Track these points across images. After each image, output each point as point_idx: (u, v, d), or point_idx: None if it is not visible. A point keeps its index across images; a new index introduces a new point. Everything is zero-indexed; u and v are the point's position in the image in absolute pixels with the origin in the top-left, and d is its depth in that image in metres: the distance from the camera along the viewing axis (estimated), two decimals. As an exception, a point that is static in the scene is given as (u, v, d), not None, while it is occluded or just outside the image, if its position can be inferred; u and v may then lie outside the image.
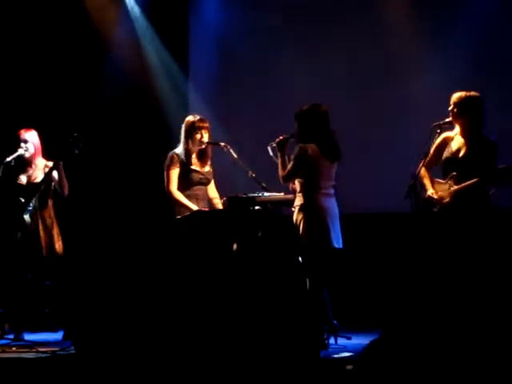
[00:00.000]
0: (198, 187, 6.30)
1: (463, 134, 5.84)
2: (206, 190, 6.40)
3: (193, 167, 6.27)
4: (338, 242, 6.00)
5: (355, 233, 6.83)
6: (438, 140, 5.87)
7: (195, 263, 5.81)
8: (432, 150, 5.89)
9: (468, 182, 5.71)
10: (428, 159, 5.88)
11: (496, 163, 5.73)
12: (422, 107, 7.21)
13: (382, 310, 6.71)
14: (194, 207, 6.14)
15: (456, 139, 5.88)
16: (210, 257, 5.82)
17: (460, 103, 5.78)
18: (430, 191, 5.85)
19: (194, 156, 6.33)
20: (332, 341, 5.99)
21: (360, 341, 6.10)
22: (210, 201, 6.41)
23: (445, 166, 5.88)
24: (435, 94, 6.98)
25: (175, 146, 6.47)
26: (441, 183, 5.89)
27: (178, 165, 6.23)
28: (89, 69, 8.12)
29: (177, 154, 6.26)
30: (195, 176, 6.24)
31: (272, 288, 5.70)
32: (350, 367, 4.67)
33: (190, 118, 6.37)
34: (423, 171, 5.89)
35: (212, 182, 6.41)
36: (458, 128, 5.87)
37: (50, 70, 8.16)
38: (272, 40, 7.91)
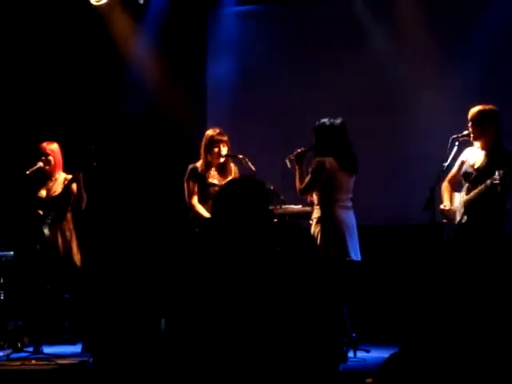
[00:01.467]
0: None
1: (483, 147, 5.83)
2: None
3: (210, 180, 6.30)
4: (355, 255, 5.99)
5: (374, 245, 6.82)
6: (462, 155, 5.89)
7: (214, 276, 5.68)
8: (456, 166, 5.92)
9: (476, 190, 5.69)
10: (451, 174, 5.91)
11: None
12: (440, 119, 7.20)
13: (401, 323, 6.68)
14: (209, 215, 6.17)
15: (476, 153, 5.88)
16: (228, 270, 5.63)
17: (477, 118, 5.76)
18: (443, 204, 5.84)
19: (213, 169, 6.37)
20: (351, 354, 5.98)
21: (379, 354, 6.10)
22: None
23: (464, 181, 5.89)
24: (453, 105, 7.01)
25: (195, 160, 6.52)
26: (456, 196, 5.90)
27: (196, 178, 6.29)
28: (109, 82, 8.16)
29: (195, 167, 6.31)
30: (212, 190, 6.26)
31: (291, 301, 5.61)
32: (369, 381, 4.69)
33: (209, 132, 6.43)
34: (446, 184, 5.92)
35: None
36: (477, 144, 5.87)
37: (72, 83, 8.22)
38: (288, 60, 8.03)
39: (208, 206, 6.23)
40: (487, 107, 5.82)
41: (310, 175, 5.98)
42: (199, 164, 6.37)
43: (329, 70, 7.85)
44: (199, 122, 7.91)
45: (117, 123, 8.01)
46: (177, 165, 6.89)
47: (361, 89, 7.66)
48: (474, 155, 5.88)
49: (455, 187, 5.93)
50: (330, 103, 7.44)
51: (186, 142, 7.65)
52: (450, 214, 5.84)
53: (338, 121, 6.07)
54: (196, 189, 6.28)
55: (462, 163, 5.86)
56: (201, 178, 6.30)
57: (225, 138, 6.37)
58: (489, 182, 5.60)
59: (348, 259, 5.92)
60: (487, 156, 5.81)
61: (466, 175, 5.82)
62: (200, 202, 6.29)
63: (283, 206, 6.10)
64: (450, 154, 5.85)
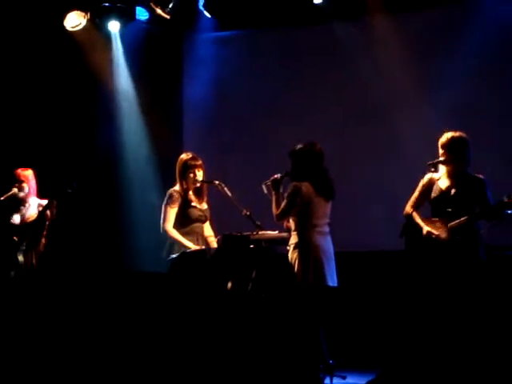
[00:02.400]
0: (196, 224, 6.23)
1: (451, 173, 5.86)
2: (203, 228, 6.32)
3: (193, 204, 6.20)
4: (332, 281, 5.91)
5: (350, 271, 6.77)
6: (424, 181, 5.88)
7: (187, 304, 5.79)
8: (418, 191, 5.91)
9: (462, 219, 5.71)
10: (414, 200, 5.90)
11: (488, 199, 5.76)
12: (415, 145, 7.24)
13: (377, 350, 6.65)
14: (191, 245, 6.07)
15: (442, 179, 5.90)
16: (203, 296, 5.80)
17: (447, 144, 5.82)
18: (427, 228, 5.80)
19: (190, 193, 6.28)
20: (327, 380, 5.90)
21: (356, 380, 6.05)
22: (205, 239, 6.34)
23: (435, 206, 5.87)
24: (426, 131, 6.99)
25: (170, 184, 6.42)
26: (434, 221, 5.86)
27: (178, 203, 6.15)
28: (85, 108, 8.09)
29: (176, 191, 6.18)
30: (195, 212, 6.16)
31: (267, 327, 5.77)
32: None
33: (182, 157, 6.32)
34: (411, 210, 5.91)
35: (208, 221, 6.35)
36: (443, 168, 5.89)
37: (47, 110, 8.16)
38: (266, 79, 7.96)
39: (190, 230, 6.14)
40: (455, 134, 5.87)
41: (285, 200, 5.90)
42: (178, 188, 6.26)
43: (308, 94, 7.84)
44: (175, 146, 7.86)
45: (93, 150, 7.96)
46: (154, 188, 6.99)
47: (343, 111, 7.70)
48: (442, 181, 5.90)
49: (417, 211, 5.96)
50: (309, 128, 7.43)
51: (163, 166, 7.62)
52: (437, 237, 5.85)
53: (315, 146, 6.02)
54: (174, 214, 6.15)
55: (426, 189, 5.87)
56: (183, 201, 6.19)
57: (199, 163, 6.29)
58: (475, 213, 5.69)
59: (325, 285, 5.85)
60: (457, 181, 5.86)
61: (440, 200, 5.83)
62: (181, 225, 6.16)
63: (260, 232, 6.01)
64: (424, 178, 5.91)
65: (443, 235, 5.74)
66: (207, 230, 6.40)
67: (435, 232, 5.77)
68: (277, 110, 7.90)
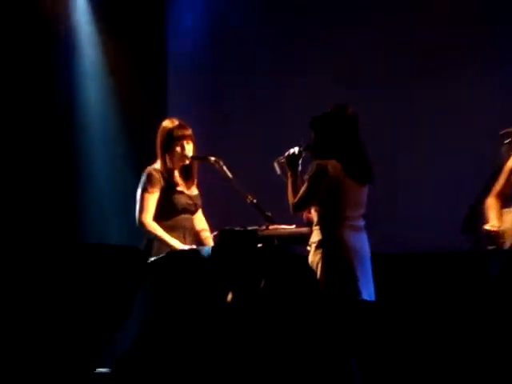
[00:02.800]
0: (184, 216, 5.47)
1: None
2: (193, 220, 5.55)
3: (178, 188, 5.45)
4: (368, 293, 5.16)
5: (393, 279, 6.03)
6: (510, 162, 5.34)
7: (173, 324, 5.08)
8: (504, 175, 5.37)
9: None
10: (499, 186, 5.39)
11: None
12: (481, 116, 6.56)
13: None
14: (177, 243, 5.33)
15: None
16: (194, 313, 5.11)
17: None
18: (490, 224, 5.27)
19: (176, 174, 5.47)
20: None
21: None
22: (196, 234, 5.58)
23: None
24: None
25: (149, 161, 5.57)
26: (507, 214, 5.36)
27: (159, 186, 5.39)
28: (33, 57, 7.09)
29: (157, 171, 5.41)
30: (182, 200, 5.44)
31: (280, 354, 5.22)
32: None
33: (166, 124, 5.46)
34: (492, 200, 5.37)
35: (199, 210, 5.58)
36: None
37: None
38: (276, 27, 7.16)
39: (175, 223, 5.42)
40: None
41: (306, 184, 5.12)
42: (159, 167, 5.44)
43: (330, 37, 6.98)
44: (156, 110, 7.04)
45: (46, 109, 7.06)
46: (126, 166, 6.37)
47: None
48: None
49: (504, 203, 5.40)
50: (333, 84, 6.68)
51: (140, 137, 6.86)
52: (499, 236, 5.28)
53: (346, 110, 5.19)
54: (154, 202, 5.38)
55: None
56: (166, 184, 5.42)
57: (188, 133, 5.43)
58: None
59: (358, 299, 5.11)
60: None
61: None
62: (163, 217, 5.41)
63: (271, 227, 5.24)
64: (500, 155, 5.25)
65: (504, 235, 5.26)
66: (199, 222, 5.60)
67: (494, 229, 5.25)
68: (292, 58, 7.02)
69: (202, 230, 5.57)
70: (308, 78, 6.89)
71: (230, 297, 5.10)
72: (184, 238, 5.37)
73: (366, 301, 5.09)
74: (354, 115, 5.15)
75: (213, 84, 7.17)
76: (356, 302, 5.06)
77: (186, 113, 6.41)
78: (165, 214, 5.37)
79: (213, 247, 5.35)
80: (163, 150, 5.39)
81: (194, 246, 5.32)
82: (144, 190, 5.33)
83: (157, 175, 5.35)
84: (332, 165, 5.05)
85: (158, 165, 5.40)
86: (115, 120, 7.15)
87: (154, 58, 7.27)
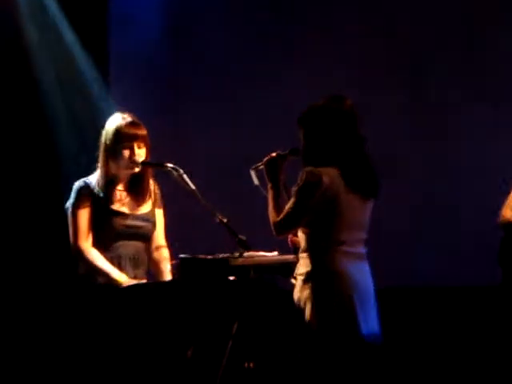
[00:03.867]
0: (122, 243, 4.66)
1: None
2: (143, 248, 4.70)
3: (114, 207, 4.65)
4: (373, 336, 4.41)
5: (401, 318, 5.77)
6: None
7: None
8: None
9: None
10: None
11: None
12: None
13: None
14: (122, 277, 4.51)
15: None
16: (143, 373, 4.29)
17: None
18: None
19: (120, 186, 4.66)
20: None
21: None
22: (153, 261, 4.74)
23: None
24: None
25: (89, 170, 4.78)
26: None
27: (89, 203, 4.61)
28: None
29: (87, 186, 4.65)
30: (118, 222, 4.64)
31: None
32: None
33: (115, 120, 4.70)
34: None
35: (160, 231, 4.75)
36: None
37: None
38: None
39: (111, 253, 4.61)
40: None
41: (294, 198, 4.34)
42: (94, 178, 4.66)
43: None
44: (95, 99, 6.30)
45: None
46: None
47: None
48: None
49: None
50: (325, 77, 6.05)
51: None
52: None
53: (344, 102, 4.41)
54: (86, 222, 4.61)
55: None
56: (97, 202, 4.64)
57: (142, 132, 4.66)
58: None
59: (358, 340, 4.36)
60: None
61: None
62: (98, 244, 4.61)
63: (245, 254, 4.55)
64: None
65: None
66: (156, 248, 4.78)
67: None
68: (272, 43, 6.42)
69: (158, 247, 4.73)
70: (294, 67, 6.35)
71: (190, 352, 4.34)
72: (121, 269, 4.57)
73: (369, 343, 4.32)
74: (353, 109, 4.36)
75: (168, 64, 6.50)
76: (358, 345, 4.29)
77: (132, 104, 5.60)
78: (101, 241, 4.60)
79: (171, 280, 4.59)
80: (107, 153, 4.58)
81: (144, 281, 4.54)
82: (73, 208, 4.56)
83: (85, 191, 4.59)
84: (328, 173, 4.24)
85: (93, 177, 4.63)
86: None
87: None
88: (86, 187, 4.58)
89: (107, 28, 6.67)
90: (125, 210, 4.62)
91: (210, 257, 4.53)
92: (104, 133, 4.61)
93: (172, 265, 4.64)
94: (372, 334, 4.37)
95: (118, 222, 4.59)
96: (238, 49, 6.57)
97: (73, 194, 4.57)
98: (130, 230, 4.61)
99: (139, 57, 6.55)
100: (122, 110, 4.90)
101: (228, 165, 5.82)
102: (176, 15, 6.70)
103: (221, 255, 4.51)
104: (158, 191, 4.76)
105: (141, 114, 5.24)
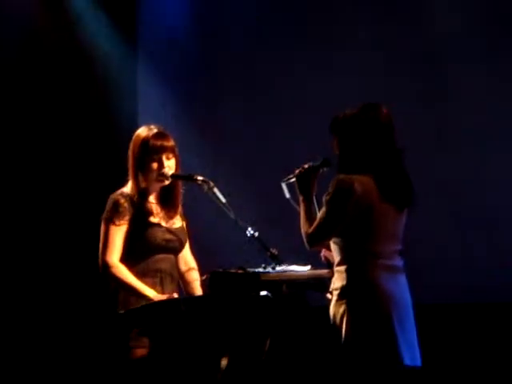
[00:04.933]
0: (160, 256, 4.51)
1: None
2: (175, 261, 4.59)
3: (153, 219, 4.51)
4: (412, 355, 4.21)
5: (444, 336, 5.56)
6: None
7: None
8: None
9: None
10: None
11: None
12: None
13: None
14: (151, 292, 4.38)
15: None
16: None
17: None
18: None
19: (152, 199, 4.52)
20: None
21: None
22: (183, 278, 4.63)
23: None
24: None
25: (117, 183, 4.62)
26: None
27: (127, 217, 4.47)
28: None
29: (126, 198, 4.50)
30: (157, 235, 4.50)
31: None
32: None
33: (141, 132, 4.56)
34: None
35: (187, 247, 4.64)
36: None
37: None
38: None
39: (148, 266, 4.46)
40: None
41: (325, 208, 4.20)
42: (128, 191, 4.52)
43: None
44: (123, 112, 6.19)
45: None
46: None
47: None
48: None
49: None
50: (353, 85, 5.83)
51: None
52: None
53: (379, 111, 4.26)
54: (122, 237, 4.45)
55: None
56: (137, 215, 4.49)
57: (170, 144, 4.52)
58: None
59: (398, 364, 4.14)
60: None
61: None
62: (132, 259, 4.45)
63: (278, 268, 4.42)
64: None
65: None
66: (185, 262, 4.66)
67: None
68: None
69: (189, 270, 4.63)
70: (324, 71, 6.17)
71: (224, 362, 4.16)
72: (162, 285, 4.45)
73: (408, 366, 4.13)
74: (389, 118, 4.21)
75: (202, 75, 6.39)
76: (396, 368, 4.10)
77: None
78: (135, 253, 4.45)
79: (202, 296, 4.47)
80: (136, 166, 4.45)
81: (176, 295, 4.39)
82: (109, 222, 4.41)
83: (125, 203, 4.44)
84: (361, 182, 4.10)
85: (126, 189, 4.50)
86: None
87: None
88: (124, 200, 4.47)
89: (136, 15, 6.59)
90: (162, 222, 4.52)
91: (240, 271, 4.38)
92: (131, 145, 4.52)
93: (202, 279, 4.52)
94: (410, 350, 4.18)
95: (159, 234, 4.49)
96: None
97: (109, 207, 4.46)
98: (168, 244, 4.51)
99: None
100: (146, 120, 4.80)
101: (262, 176, 5.67)
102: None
103: (251, 270, 4.38)
104: (180, 210, 4.67)
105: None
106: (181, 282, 4.60)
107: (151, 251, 4.45)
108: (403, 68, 6.20)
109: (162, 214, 4.50)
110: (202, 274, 4.63)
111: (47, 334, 5.98)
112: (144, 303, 4.21)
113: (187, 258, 4.63)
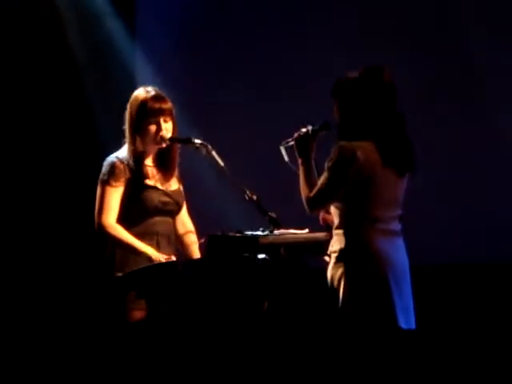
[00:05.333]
0: (158, 219, 4.53)
1: None
2: (172, 224, 4.59)
3: (149, 182, 4.50)
4: (407, 318, 4.25)
5: (439, 298, 5.55)
6: None
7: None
8: None
9: None
10: None
11: None
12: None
13: None
14: (152, 251, 4.38)
15: None
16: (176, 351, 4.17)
17: None
18: None
19: (149, 161, 4.52)
20: None
21: None
22: (180, 241, 4.65)
23: None
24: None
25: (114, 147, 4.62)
26: None
27: (123, 179, 4.46)
28: None
29: (121, 161, 4.48)
30: (154, 197, 4.50)
31: None
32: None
33: (139, 94, 4.53)
34: None
35: (184, 209, 4.64)
36: None
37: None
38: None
39: (145, 228, 4.48)
40: None
41: (326, 173, 4.19)
42: (124, 153, 4.50)
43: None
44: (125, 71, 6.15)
45: None
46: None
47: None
48: None
49: None
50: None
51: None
52: None
53: (382, 73, 4.22)
54: (118, 200, 4.46)
55: None
56: (132, 177, 4.49)
57: (167, 106, 4.51)
58: None
59: (394, 326, 4.18)
60: None
61: None
62: (129, 221, 4.46)
63: (276, 231, 4.41)
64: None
65: None
66: (182, 225, 4.67)
67: None
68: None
69: (186, 233, 4.63)
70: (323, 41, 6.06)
71: (220, 324, 4.13)
72: (158, 246, 4.45)
73: (404, 329, 4.14)
74: (391, 81, 4.15)
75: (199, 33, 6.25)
76: (391, 330, 4.10)
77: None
78: (131, 216, 4.44)
79: (200, 259, 4.47)
80: (133, 128, 4.43)
81: (174, 258, 4.41)
82: (105, 183, 4.40)
83: (121, 166, 4.43)
84: (363, 148, 4.08)
85: (122, 152, 4.48)
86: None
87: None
88: (120, 162, 4.45)
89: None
90: (158, 185, 4.50)
91: (238, 234, 4.37)
92: (128, 108, 4.47)
93: (200, 243, 4.55)
94: (406, 313, 4.20)
95: (155, 197, 4.47)
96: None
97: (105, 170, 4.44)
98: (165, 207, 4.51)
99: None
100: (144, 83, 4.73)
101: (260, 139, 5.62)
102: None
103: (250, 233, 4.37)
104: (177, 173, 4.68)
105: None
106: (179, 244, 4.60)
107: (148, 214, 4.44)
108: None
109: (158, 177, 4.48)
110: (200, 238, 4.63)
111: (45, 298, 5.96)
112: (142, 265, 4.20)
113: (185, 221, 4.61)
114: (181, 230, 4.60)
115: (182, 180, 4.60)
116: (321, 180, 4.13)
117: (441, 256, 5.92)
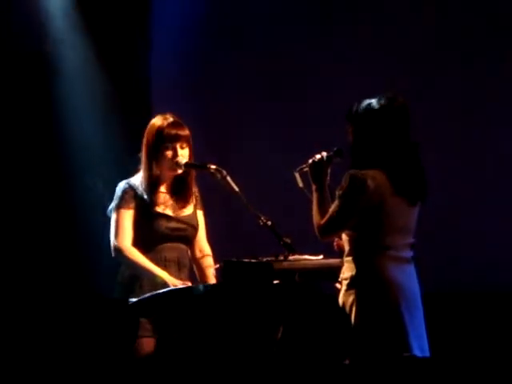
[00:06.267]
0: (167, 245, 4.56)
1: None
2: (186, 251, 4.61)
3: (158, 209, 4.54)
4: (420, 345, 4.19)
5: (453, 326, 5.47)
6: None
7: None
8: None
9: None
10: None
11: None
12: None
13: None
14: (167, 277, 4.42)
15: None
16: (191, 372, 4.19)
17: None
18: None
19: (163, 188, 4.55)
20: None
21: None
22: (197, 265, 4.67)
23: None
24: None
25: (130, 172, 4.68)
26: None
27: (133, 205, 4.51)
28: None
29: (131, 187, 4.54)
30: (161, 224, 4.53)
31: None
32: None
33: (156, 121, 4.57)
34: None
35: (202, 234, 4.66)
36: None
37: None
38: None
39: (154, 255, 4.50)
40: None
41: (338, 201, 4.18)
42: (138, 180, 4.56)
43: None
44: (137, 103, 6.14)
45: None
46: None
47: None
48: None
49: None
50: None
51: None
52: None
53: (395, 101, 4.21)
54: (131, 222, 4.52)
55: None
56: (142, 204, 4.54)
57: (185, 133, 4.55)
58: None
59: (407, 354, 4.13)
60: None
61: None
62: (141, 247, 4.50)
63: (290, 257, 4.38)
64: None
65: None
66: (199, 250, 4.71)
67: None
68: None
69: (203, 256, 4.64)
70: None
71: (234, 350, 4.16)
72: (169, 274, 4.47)
73: (417, 357, 4.09)
74: (405, 108, 4.15)
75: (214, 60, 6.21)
76: (404, 358, 4.07)
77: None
78: (140, 242, 4.49)
79: (214, 284, 4.47)
80: (149, 154, 4.48)
81: (189, 283, 4.42)
82: (118, 208, 4.46)
83: (131, 192, 4.50)
84: (373, 177, 4.07)
85: (135, 179, 4.54)
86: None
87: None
88: (130, 189, 4.49)
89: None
90: (169, 212, 4.52)
91: (253, 260, 4.36)
92: (145, 134, 4.51)
93: (216, 269, 4.55)
94: (419, 340, 4.17)
95: (163, 224, 4.50)
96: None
97: (117, 196, 4.49)
98: (174, 233, 4.53)
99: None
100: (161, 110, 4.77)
101: (275, 165, 5.56)
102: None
103: (264, 258, 4.35)
104: (197, 193, 4.67)
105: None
106: (195, 269, 4.61)
107: (156, 241, 4.48)
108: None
109: (170, 203, 4.52)
110: (215, 264, 4.63)
111: (58, 319, 5.93)
112: (157, 290, 4.18)
113: (202, 245, 4.63)
114: (198, 254, 4.61)
115: (202, 206, 4.63)
116: (332, 208, 4.13)
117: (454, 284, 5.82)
